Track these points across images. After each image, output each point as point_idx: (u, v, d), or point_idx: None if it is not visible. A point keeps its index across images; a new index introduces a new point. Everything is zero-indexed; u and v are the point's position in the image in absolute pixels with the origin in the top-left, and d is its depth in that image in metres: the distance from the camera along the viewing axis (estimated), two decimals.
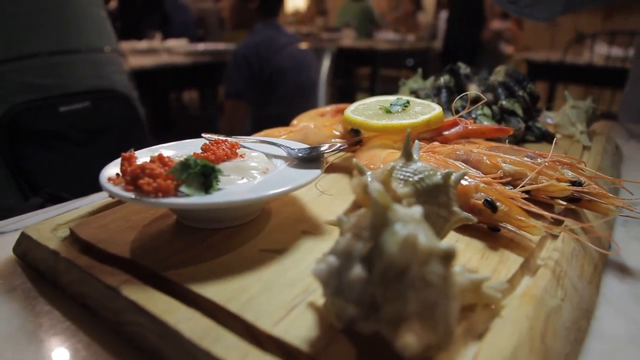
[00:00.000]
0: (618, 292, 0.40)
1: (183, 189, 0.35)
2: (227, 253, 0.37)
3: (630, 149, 0.85)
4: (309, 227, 0.42)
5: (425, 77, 0.86)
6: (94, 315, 0.36)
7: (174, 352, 0.29)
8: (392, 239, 0.23)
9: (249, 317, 0.29)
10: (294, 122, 0.68)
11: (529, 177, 0.44)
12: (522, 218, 0.39)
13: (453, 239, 0.40)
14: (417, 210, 0.25)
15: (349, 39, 4.69)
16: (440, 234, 0.35)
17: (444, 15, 4.79)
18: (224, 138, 0.47)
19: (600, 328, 0.35)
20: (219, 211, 0.40)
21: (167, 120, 2.92)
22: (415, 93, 0.79)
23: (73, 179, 1.08)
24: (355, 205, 0.47)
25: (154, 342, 0.31)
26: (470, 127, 0.57)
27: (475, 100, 0.66)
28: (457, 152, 0.49)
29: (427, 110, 0.55)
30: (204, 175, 0.36)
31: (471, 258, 0.37)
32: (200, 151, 0.44)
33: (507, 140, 0.60)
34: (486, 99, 0.69)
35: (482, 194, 0.41)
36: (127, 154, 0.39)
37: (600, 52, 3.05)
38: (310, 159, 0.45)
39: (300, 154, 0.46)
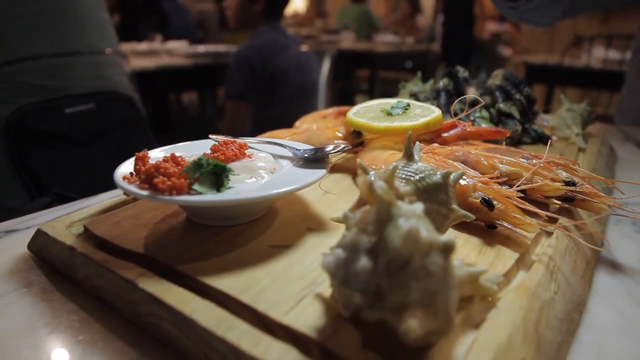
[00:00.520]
0: (609, 287, 0.42)
1: (196, 187, 0.37)
2: (237, 249, 0.39)
3: (625, 151, 0.87)
4: (314, 225, 0.44)
5: (424, 79, 0.88)
6: (110, 308, 0.37)
7: (190, 340, 0.31)
8: (395, 232, 0.25)
9: (261, 307, 0.31)
10: (297, 124, 0.70)
11: (524, 177, 0.46)
12: (518, 216, 0.41)
13: (452, 236, 0.42)
14: (418, 207, 0.27)
15: (348, 41, 4.71)
16: (440, 230, 0.37)
17: (442, 18, 4.83)
18: (232, 139, 0.49)
19: (592, 320, 0.37)
20: (229, 209, 0.42)
21: (168, 122, 2.93)
22: (415, 96, 0.81)
23: (78, 179, 1.10)
24: (359, 203, 0.49)
25: (169, 331, 0.32)
26: (468, 129, 0.59)
27: (474, 103, 0.68)
28: (456, 153, 0.51)
29: (426, 113, 0.57)
30: (215, 174, 0.38)
31: (469, 254, 0.39)
32: (210, 152, 0.46)
33: (504, 142, 0.62)
34: (484, 102, 0.71)
35: (480, 193, 0.43)
36: (140, 154, 0.41)
37: (598, 55, 3.08)
38: (315, 159, 0.47)
39: (305, 155, 0.48)
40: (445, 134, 0.58)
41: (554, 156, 0.50)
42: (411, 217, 0.26)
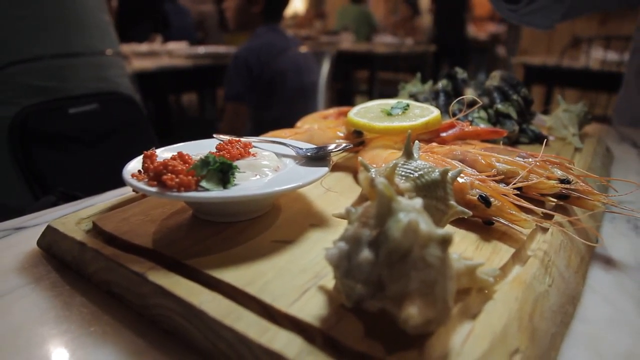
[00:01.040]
0: (603, 281, 0.43)
1: (203, 184, 0.39)
2: (242, 244, 0.40)
3: (621, 151, 0.89)
4: (317, 221, 0.45)
5: (423, 79, 0.89)
6: (119, 301, 0.39)
7: (199, 331, 0.32)
8: (396, 225, 0.26)
9: (266, 298, 0.32)
10: (298, 124, 0.71)
11: (520, 175, 0.47)
12: (514, 212, 0.42)
13: (450, 231, 0.43)
14: (418, 202, 0.28)
15: (347, 42, 4.73)
16: (439, 225, 0.38)
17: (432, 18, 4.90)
18: (237, 138, 0.50)
19: (585, 313, 0.39)
20: (234, 205, 0.43)
21: (168, 123, 2.94)
22: (414, 97, 0.83)
23: (82, 179, 1.11)
24: (360, 200, 0.50)
25: (178, 322, 0.34)
26: (466, 129, 0.60)
27: (472, 104, 0.70)
28: (454, 152, 0.52)
29: (425, 113, 0.59)
30: (222, 171, 0.39)
31: (466, 249, 0.40)
32: (215, 150, 0.47)
33: (501, 142, 0.64)
34: (482, 103, 0.72)
35: (477, 190, 0.44)
36: (148, 152, 0.42)
37: (596, 57, 3.10)
38: (317, 157, 0.48)
39: (308, 153, 0.49)
40: (444, 134, 0.60)
41: (549, 155, 0.51)
42: (411, 211, 0.27)
